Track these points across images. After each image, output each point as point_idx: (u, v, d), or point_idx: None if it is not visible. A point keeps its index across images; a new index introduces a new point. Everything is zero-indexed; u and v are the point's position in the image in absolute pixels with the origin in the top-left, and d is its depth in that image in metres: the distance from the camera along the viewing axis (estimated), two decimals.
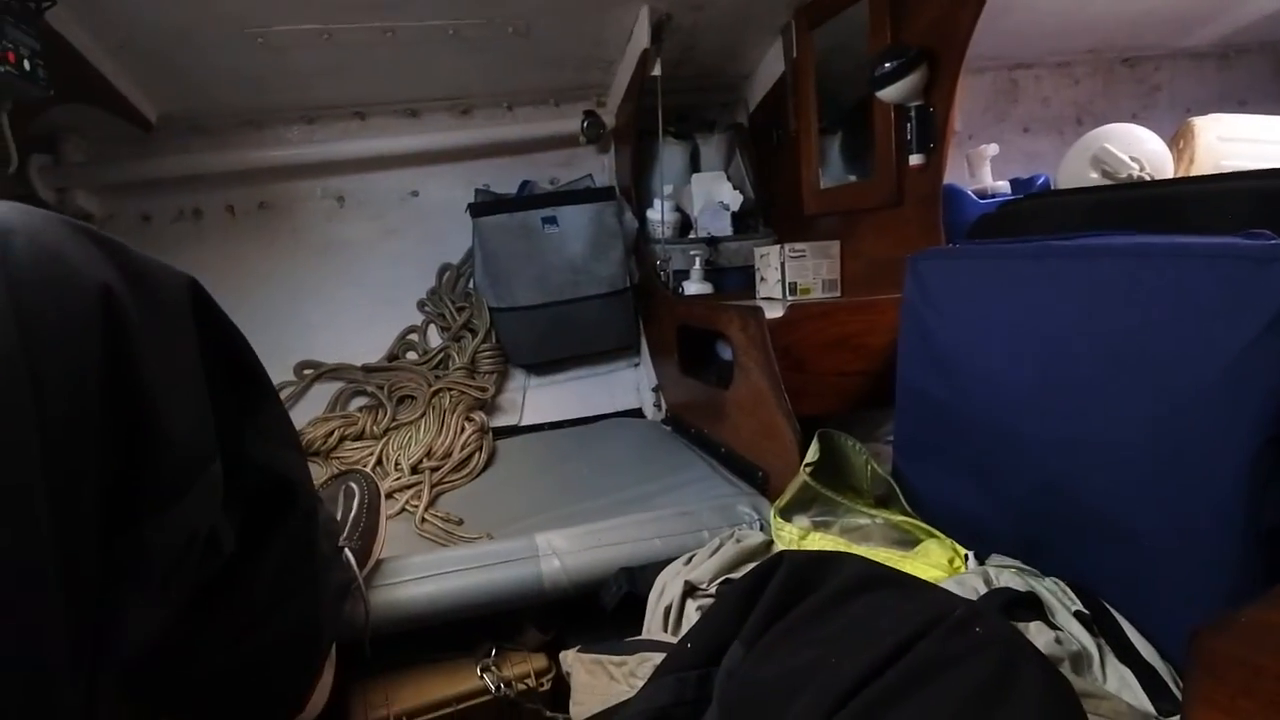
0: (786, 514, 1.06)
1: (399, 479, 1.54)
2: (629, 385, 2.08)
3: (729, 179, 2.06)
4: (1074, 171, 1.57)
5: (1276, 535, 0.62)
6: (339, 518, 1.08)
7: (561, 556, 1.09)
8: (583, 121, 1.98)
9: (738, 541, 1.03)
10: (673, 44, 1.73)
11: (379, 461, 1.64)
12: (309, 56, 1.61)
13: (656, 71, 1.73)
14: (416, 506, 1.43)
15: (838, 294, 1.68)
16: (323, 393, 1.88)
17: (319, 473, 1.64)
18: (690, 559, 1.03)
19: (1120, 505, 0.74)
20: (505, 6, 1.57)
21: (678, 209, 2.04)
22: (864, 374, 1.37)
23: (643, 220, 2.02)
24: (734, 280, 1.96)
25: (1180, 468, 0.67)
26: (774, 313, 1.38)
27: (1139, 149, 1.51)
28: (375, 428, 1.73)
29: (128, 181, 1.83)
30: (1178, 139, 1.68)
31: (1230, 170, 1.63)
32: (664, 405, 1.98)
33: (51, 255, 0.49)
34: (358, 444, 1.71)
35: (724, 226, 2.00)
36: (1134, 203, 0.94)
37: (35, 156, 1.67)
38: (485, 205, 1.90)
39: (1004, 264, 0.90)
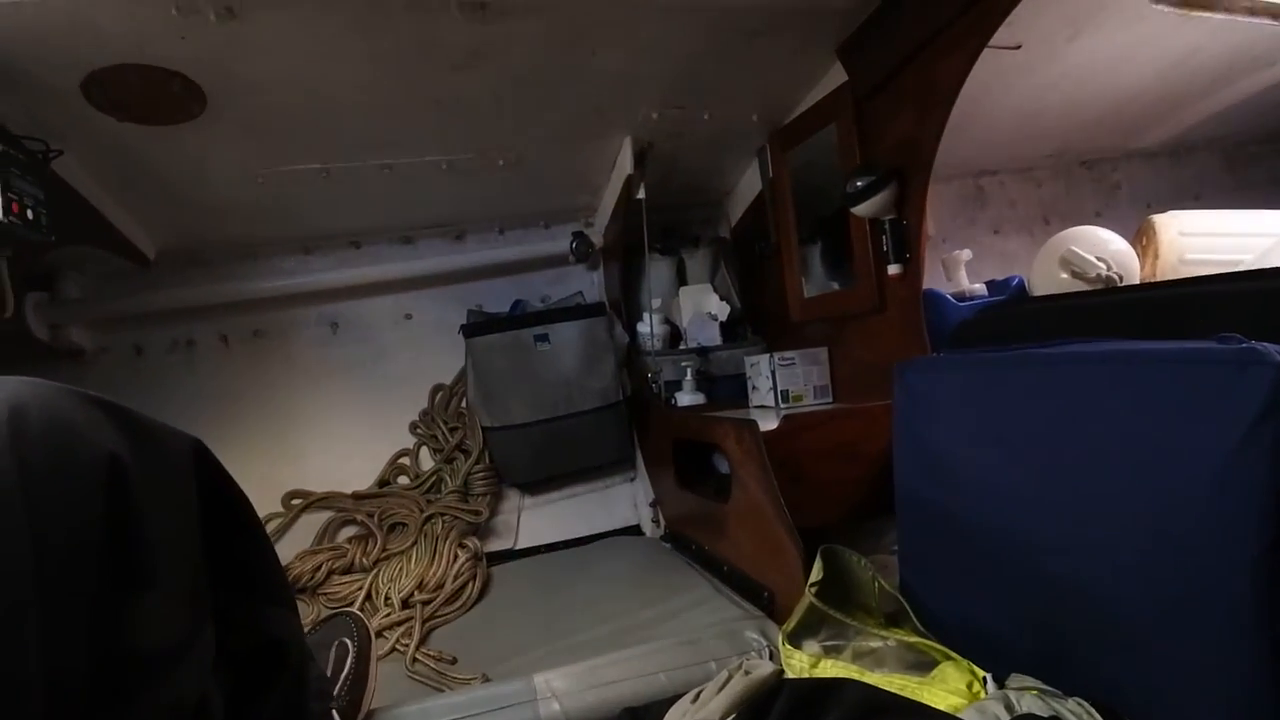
0: (795, 639, 1.02)
1: (389, 615, 1.48)
2: (626, 501, 2.05)
3: (715, 290, 2.12)
4: (1045, 273, 1.62)
5: None
6: (330, 671, 1.03)
7: (561, 699, 1.03)
8: (572, 242, 2.05)
9: (746, 673, 0.97)
10: (655, 167, 1.82)
11: (368, 596, 1.59)
12: (308, 192, 1.69)
13: (641, 195, 1.80)
14: (407, 645, 1.37)
15: (830, 399, 1.69)
16: (311, 523, 1.83)
17: (306, 611, 1.58)
18: (698, 695, 0.98)
19: (1131, 615, 0.71)
20: (496, 141, 1.66)
21: (667, 321, 2.08)
22: (863, 481, 1.36)
23: (633, 334, 2.06)
24: (726, 388, 1.97)
25: (1187, 573, 0.66)
26: (769, 424, 1.38)
27: (1104, 250, 1.57)
28: (365, 559, 1.68)
29: (122, 315, 1.86)
30: (1140, 236, 1.74)
31: (1193, 261, 1.69)
32: (662, 521, 1.94)
33: (64, 428, 0.52)
34: (346, 578, 1.66)
35: (713, 336, 2.03)
36: (1105, 308, 0.97)
37: (31, 295, 1.70)
38: (478, 325, 1.93)
39: (989, 372, 0.91)
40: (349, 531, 1.82)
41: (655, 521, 1.97)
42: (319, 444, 1.93)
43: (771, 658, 1.08)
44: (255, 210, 1.72)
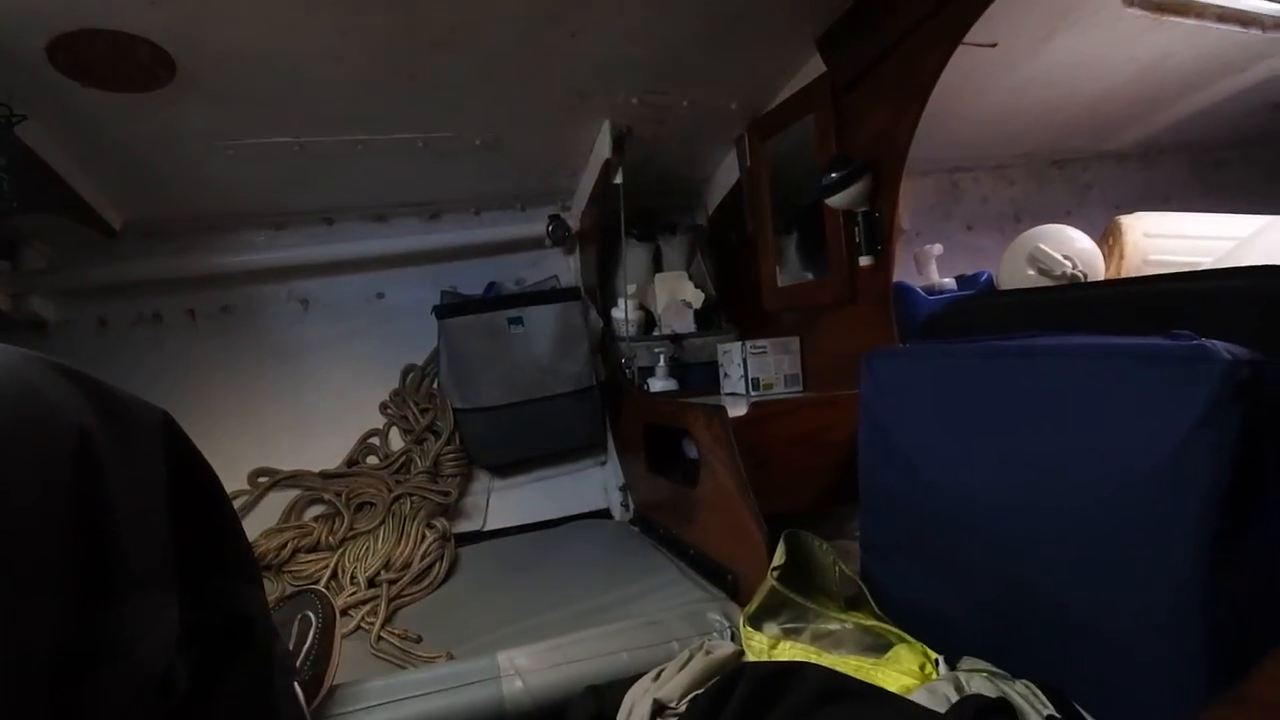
0: (756, 622, 1.03)
1: (354, 593, 1.48)
2: (596, 484, 2.05)
3: (691, 278, 2.12)
4: (1013, 269, 1.65)
5: (1233, 629, 0.62)
6: (293, 646, 1.03)
7: (524, 676, 1.04)
8: (548, 225, 2.04)
9: (707, 653, 1.00)
10: (634, 153, 1.82)
11: (334, 575, 1.58)
12: (280, 167, 1.66)
13: (619, 180, 1.80)
14: (373, 623, 1.37)
15: (800, 388, 1.71)
16: (278, 501, 1.81)
17: (271, 589, 1.57)
18: (659, 674, 0.99)
19: (1081, 602, 0.74)
20: (473, 121, 1.65)
21: (642, 307, 2.08)
22: (829, 469, 1.38)
23: (608, 319, 2.06)
24: (698, 375, 1.98)
25: (1133, 563, 0.68)
26: (738, 410, 1.39)
27: (1070, 248, 1.60)
28: (331, 538, 1.67)
29: (86, 287, 1.82)
30: (1107, 236, 1.78)
31: (1157, 261, 1.73)
32: (632, 505, 1.96)
33: (30, 396, 0.50)
34: (312, 556, 1.65)
35: (687, 323, 2.04)
36: (1068, 304, 0.99)
37: None
38: (451, 306, 1.92)
39: (954, 363, 0.93)
40: (316, 510, 1.81)
41: (625, 505, 1.99)
42: (287, 422, 1.91)
43: (733, 639, 1.09)
44: (224, 183, 1.69)
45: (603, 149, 1.75)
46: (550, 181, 2.00)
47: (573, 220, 2.05)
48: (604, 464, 2.08)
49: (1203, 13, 1.67)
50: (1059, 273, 1.57)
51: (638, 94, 1.63)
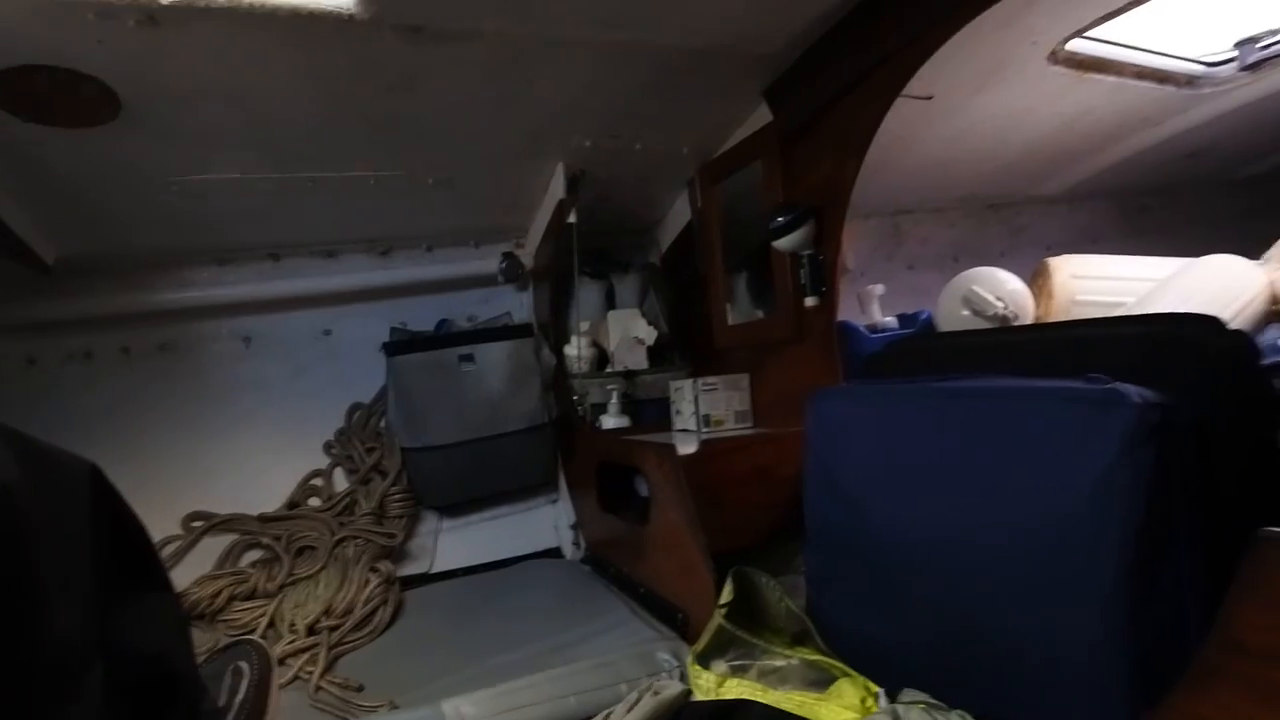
0: (704, 660, 1.04)
1: (293, 642, 1.43)
2: (547, 523, 2.04)
3: (643, 315, 2.15)
4: (949, 310, 1.72)
5: (1145, 659, 0.65)
6: (224, 702, 0.99)
7: None
8: (502, 262, 2.05)
9: (655, 694, 0.99)
10: (588, 194, 1.84)
11: (271, 623, 1.53)
12: (226, 202, 1.63)
13: (572, 219, 1.83)
14: (312, 673, 1.32)
15: (750, 424, 1.73)
16: (213, 546, 1.75)
17: (204, 639, 1.51)
18: (607, 717, 0.99)
19: (1011, 635, 0.77)
20: (427, 161, 1.66)
21: (594, 344, 2.09)
22: (778, 505, 1.40)
23: (560, 356, 2.06)
24: (651, 412, 1.99)
25: (1058, 596, 0.71)
26: (688, 448, 1.41)
27: (1002, 289, 1.68)
28: (270, 584, 1.61)
29: (15, 324, 1.74)
30: (1037, 277, 1.87)
31: (1084, 301, 1.82)
32: (583, 543, 1.94)
33: None
34: (249, 604, 1.59)
35: (640, 360, 2.06)
36: (998, 346, 1.04)
37: None
38: (401, 343, 1.90)
39: (891, 403, 0.96)
40: (254, 555, 1.75)
41: (576, 544, 1.97)
42: (225, 464, 1.85)
43: (682, 678, 1.09)
44: (167, 218, 1.65)
45: (557, 189, 1.77)
46: (504, 219, 2.01)
47: (526, 257, 2.06)
48: (555, 502, 2.06)
49: (1121, 70, 1.80)
50: (991, 313, 1.64)
51: (591, 138, 1.66)
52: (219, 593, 1.59)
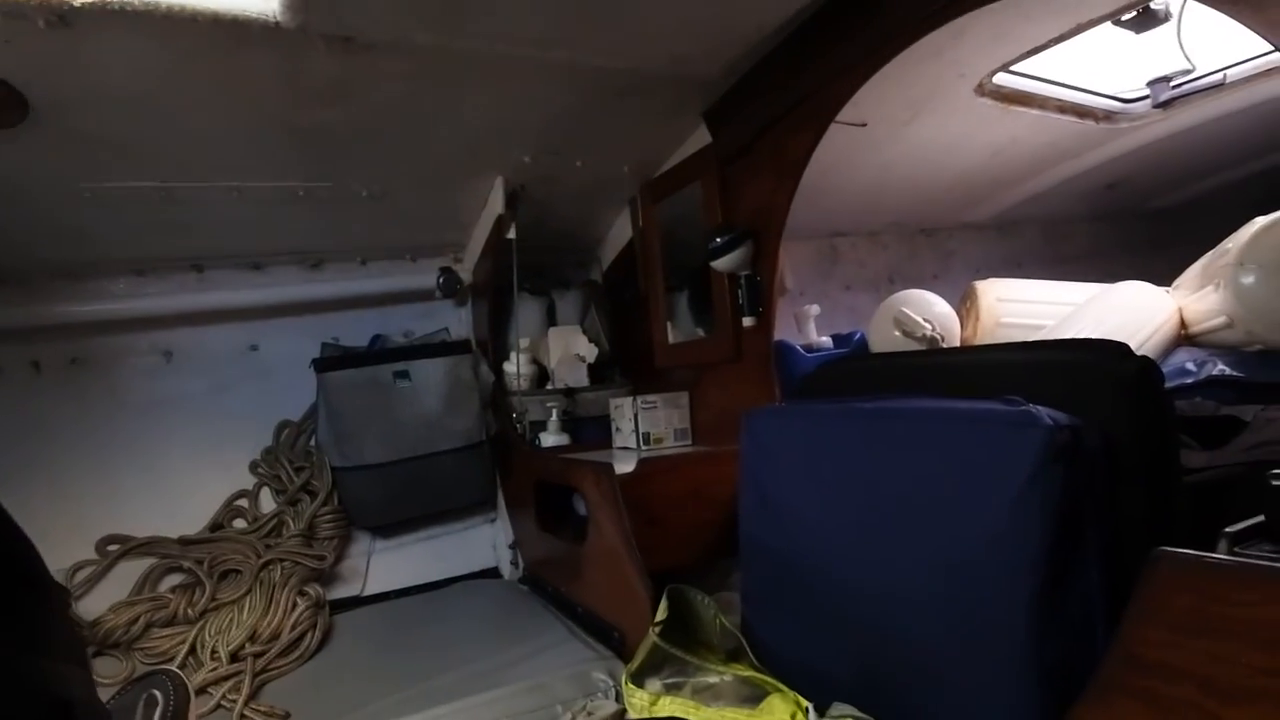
0: (638, 679, 1.03)
1: (215, 669, 1.37)
2: (485, 543, 2.00)
3: (585, 332, 2.14)
4: (880, 331, 1.78)
5: (1057, 672, 0.68)
6: None
7: None
8: (439, 277, 2.01)
9: (589, 715, 0.99)
10: (528, 209, 1.84)
11: (192, 650, 1.46)
12: (143, 211, 1.56)
13: (512, 235, 1.81)
14: (235, 701, 1.27)
15: (689, 442, 1.74)
16: (130, 571, 1.65)
17: (118, 670, 1.44)
18: None
19: (929, 651, 0.79)
20: (359, 173, 1.62)
21: (534, 361, 2.08)
22: (715, 524, 1.41)
23: (500, 373, 2.04)
24: (591, 430, 1.99)
25: (972, 614, 0.74)
26: (626, 466, 1.41)
27: (930, 311, 1.74)
28: (191, 610, 1.54)
29: None
30: (965, 299, 1.95)
31: (1009, 324, 1.89)
32: (521, 563, 1.92)
33: None
34: (168, 630, 1.52)
35: (580, 378, 2.05)
36: (924, 368, 1.07)
37: None
38: (332, 359, 1.85)
39: (821, 422, 0.98)
40: (174, 580, 1.66)
41: (514, 564, 1.94)
42: (143, 484, 1.76)
43: (618, 698, 1.08)
44: (80, 226, 1.57)
45: (496, 204, 1.76)
46: (442, 234, 1.98)
47: (465, 273, 2.03)
48: (494, 521, 2.03)
49: (1044, 104, 1.90)
50: (920, 334, 1.69)
51: (531, 153, 1.66)
52: (135, 619, 1.51)
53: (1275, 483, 0.61)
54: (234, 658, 1.41)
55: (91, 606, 1.58)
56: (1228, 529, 0.60)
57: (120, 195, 1.49)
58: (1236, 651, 0.52)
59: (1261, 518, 0.61)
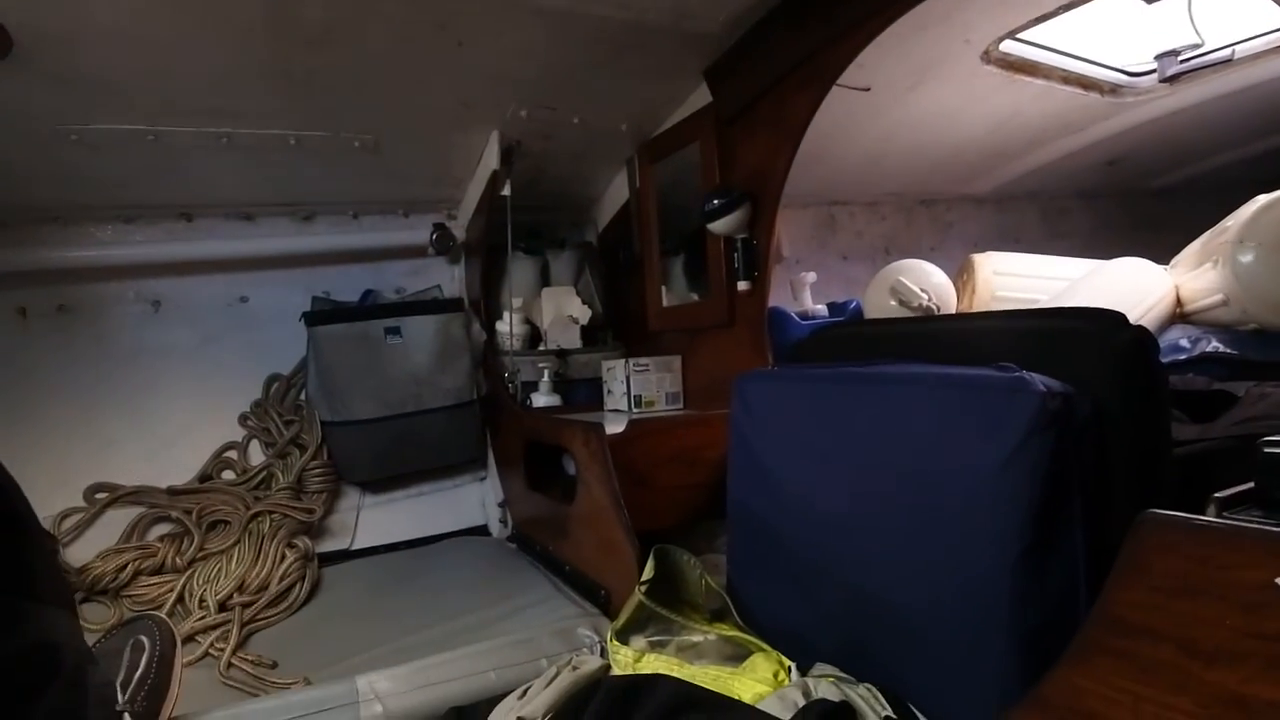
0: (623, 636, 1.04)
1: (203, 618, 1.38)
2: (474, 501, 2.01)
3: (578, 294, 2.13)
4: (876, 300, 1.77)
5: (1038, 636, 0.69)
6: (124, 676, 0.95)
7: (384, 700, 1.00)
8: (432, 233, 1.99)
9: (574, 669, 0.99)
10: (523, 167, 1.80)
11: (180, 599, 1.47)
12: (132, 155, 1.52)
13: (506, 191, 1.78)
14: (223, 650, 1.28)
15: (680, 405, 1.74)
16: (118, 519, 1.65)
17: (106, 615, 1.45)
18: (525, 691, 0.98)
19: (914, 612, 0.79)
20: (352, 122, 1.59)
21: (527, 321, 2.06)
22: (703, 486, 1.41)
23: (492, 332, 2.02)
24: (583, 392, 1.98)
25: (957, 576, 0.74)
26: (617, 428, 1.41)
27: (927, 282, 1.74)
28: (179, 559, 1.54)
29: None
30: (961, 272, 1.94)
31: (1004, 297, 1.90)
32: (510, 521, 1.93)
33: None
34: (156, 579, 1.52)
35: (573, 339, 2.04)
36: (919, 335, 1.07)
37: None
38: (323, 314, 1.83)
39: (813, 386, 0.98)
40: (162, 529, 1.66)
41: (503, 522, 1.95)
42: (131, 434, 1.75)
43: (603, 654, 1.10)
44: (67, 170, 1.53)
45: (491, 159, 1.73)
46: (435, 189, 1.95)
47: (458, 230, 2.00)
48: (483, 480, 2.03)
49: (1049, 74, 1.87)
50: (916, 304, 1.69)
51: (527, 108, 1.63)
52: (123, 566, 1.51)
53: (1267, 450, 0.61)
54: (222, 607, 1.41)
55: (79, 554, 1.58)
56: (1217, 494, 0.60)
57: (107, 138, 1.45)
58: (1219, 614, 0.52)
59: (1251, 484, 0.62)
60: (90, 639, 1.04)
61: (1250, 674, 0.50)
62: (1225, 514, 0.59)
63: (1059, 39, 1.77)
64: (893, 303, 1.73)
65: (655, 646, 1.03)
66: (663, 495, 1.38)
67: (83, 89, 1.31)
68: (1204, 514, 0.59)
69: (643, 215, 1.91)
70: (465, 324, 1.92)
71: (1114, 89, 2.03)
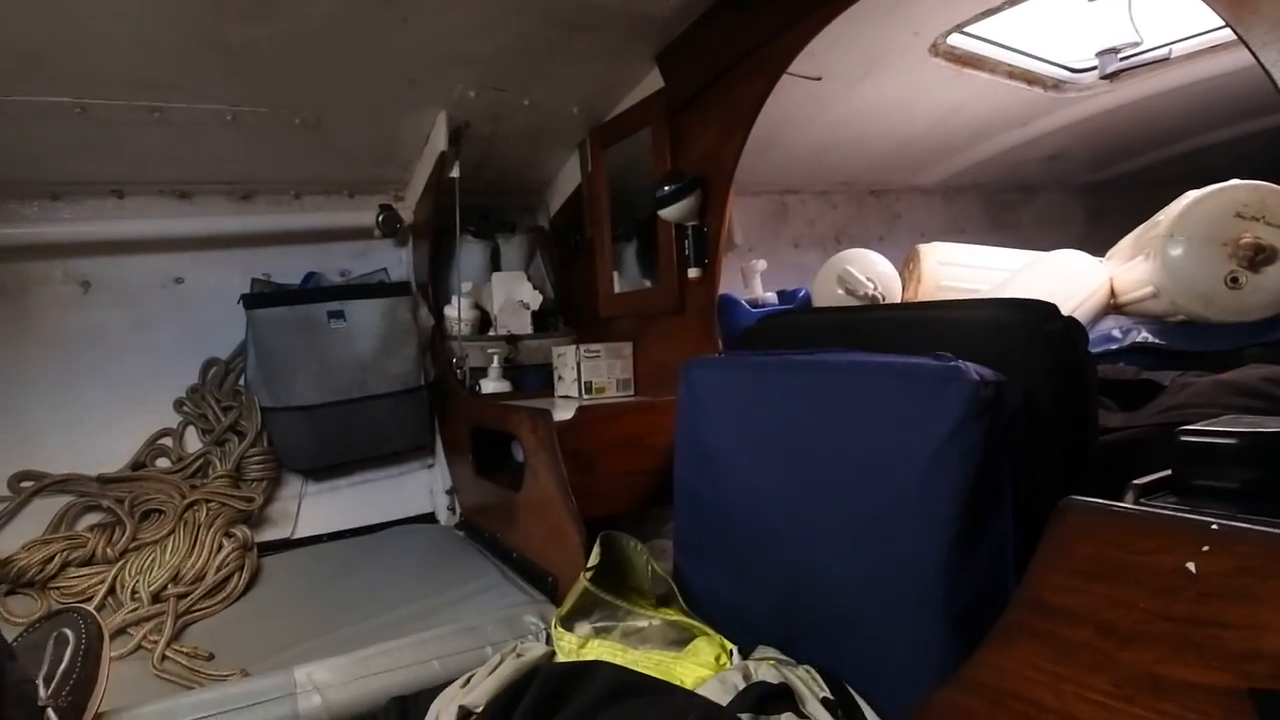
0: (568, 622, 1.04)
1: (136, 610, 1.33)
2: (421, 488, 1.98)
3: (529, 279, 2.10)
4: (824, 288, 1.79)
5: (970, 618, 0.71)
6: (46, 671, 0.92)
7: (323, 691, 0.99)
8: (379, 215, 1.93)
9: (518, 656, 0.99)
10: (472, 148, 1.77)
11: (112, 590, 1.42)
12: (57, 130, 1.45)
13: (455, 174, 1.75)
14: (156, 642, 1.24)
15: (631, 392, 1.74)
16: (45, 509, 1.59)
17: (31, 609, 1.39)
18: (469, 680, 0.97)
19: (850, 596, 0.81)
20: (292, 98, 1.53)
21: (477, 306, 2.03)
22: (651, 473, 1.42)
23: (440, 317, 1.99)
24: (533, 378, 1.97)
25: (891, 560, 0.76)
26: (564, 414, 1.40)
27: (873, 271, 1.77)
28: (110, 549, 1.49)
29: None
30: (908, 262, 1.98)
31: (948, 286, 1.94)
32: (458, 509, 1.91)
33: None
34: (85, 570, 1.47)
35: (524, 325, 2.02)
36: (864, 323, 1.08)
37: None
38: (263, 296, 1.77)
39: (758, 373, 0.99)
40: (92, 519, 1.61)
41: (451, 509, 1.93)
42: (58, 420, 1.67)
43: (549, 641, 1.10)
44: None
45: (438, 140, 1.69)
46: (382, 170, 1.90)
47: (406, 212, 1.96)
48: (431, 467, 2.00)
49: (995, 69, 1.91)
50: (862, 293, 1.72)
51: (476, 88, 1.59)
52: (50, 558, 1.46)
53: (1183, 439, 0.64)
54: (156, 599, 1.37)
55: (3, 545, 1.51)
56: (1135, 480, 0.63)
57: (32, 110, 1.37)
58: (1134, 597, 0.55)
59: (1169, 472, 0.64)
60: (13, 634, 1.00)
61: (1163, 654, 0.53)
62: (1143, 500, 0.61)
63: (1005, 34, 1.80)
64: (840, 291, 1.76)
65: (600, 633, 1.03)
66: (612, 482, 1.39)
67: (6, 59, 1.24)
68: (1124, 500, 0.62)
69: (594, 200, 1.89)
70: (412, 308, 1.89)
71: (1057, 84, 2.08)
